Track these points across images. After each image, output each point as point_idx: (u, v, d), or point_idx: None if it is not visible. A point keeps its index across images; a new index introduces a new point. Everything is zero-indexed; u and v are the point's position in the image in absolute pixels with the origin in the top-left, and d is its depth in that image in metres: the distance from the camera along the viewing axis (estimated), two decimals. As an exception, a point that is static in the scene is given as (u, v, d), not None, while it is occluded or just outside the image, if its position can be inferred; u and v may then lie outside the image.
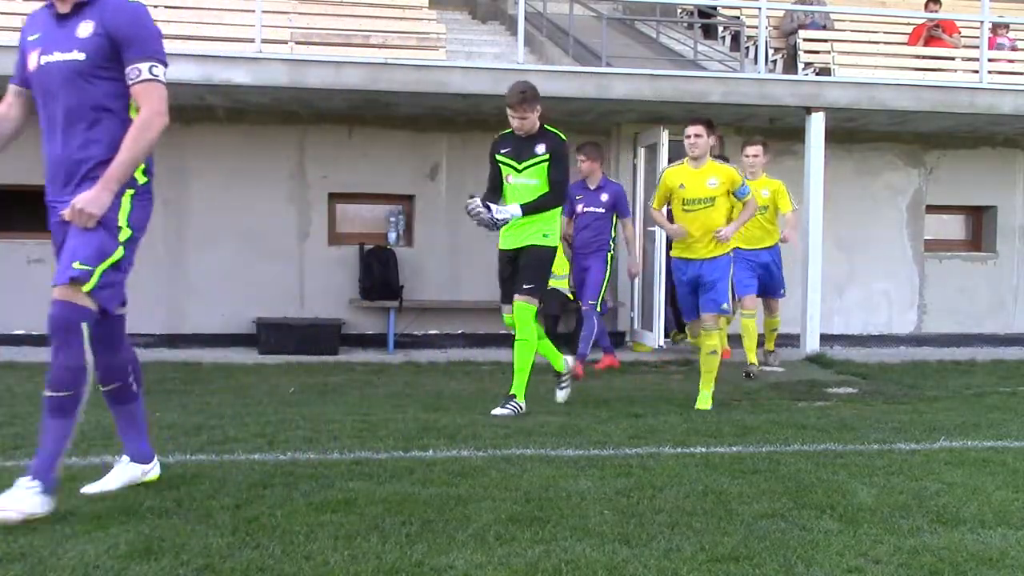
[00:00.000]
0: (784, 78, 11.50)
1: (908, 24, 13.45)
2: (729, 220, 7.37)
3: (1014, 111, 10.90)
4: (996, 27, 12.97)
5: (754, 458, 5.30)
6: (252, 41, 9.95)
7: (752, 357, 9.14)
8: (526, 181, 6.70)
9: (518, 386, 6.75)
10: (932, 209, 12.61)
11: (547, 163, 6.65)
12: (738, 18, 13.49)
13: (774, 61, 13.06)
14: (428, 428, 6.01)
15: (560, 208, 6.91)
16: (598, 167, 9.12)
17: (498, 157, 6.83)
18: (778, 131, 11.79)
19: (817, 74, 12.18)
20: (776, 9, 12.92)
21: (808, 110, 10.58)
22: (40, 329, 11.43)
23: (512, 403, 6.69)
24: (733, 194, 7.22)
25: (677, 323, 10.47)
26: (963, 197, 12.72)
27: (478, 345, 10.99)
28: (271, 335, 10.36)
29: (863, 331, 12.33)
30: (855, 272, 12.29)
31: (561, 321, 10.96)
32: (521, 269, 6.72)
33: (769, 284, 9.53)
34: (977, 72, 11.39)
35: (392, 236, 11.34)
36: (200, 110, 10.80)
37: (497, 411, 6.61)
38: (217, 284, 10.88)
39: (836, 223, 11.61)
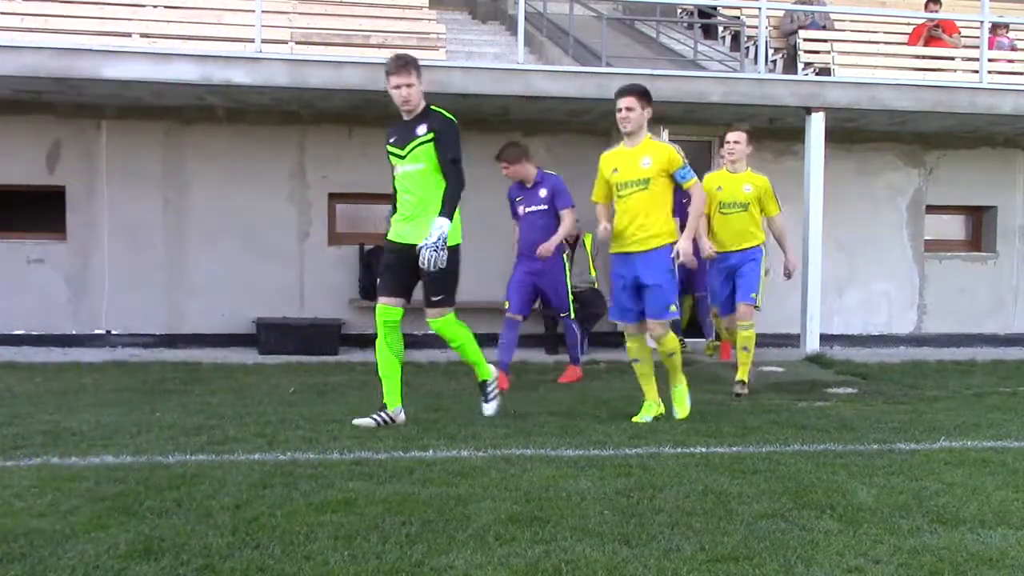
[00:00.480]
0: (784, 78, 11.51)
1: (908, 24, 13.45)
2: (683, 212, 6.74)
3: (1014, 111, 10.91)
4: (996, 27, 12.96)
5: (754, 458, 5.29)
6: (252, 41, 9.95)
7: (743, 372, 7.95)
8: (412, 167, 6.12)
9: (481, 372, 6.57)
10: (932, 209, 12.62)
11: (432, 144, 6.05)
12: (738, 18, 13.49)
13: (774, 61, 13.06)
14: (428, 428, 6.01)
15: (458, 199, 6.16)
16: (524, 166, 8.34)
17: (387, 147, 6.30)
18: (778, 131, 11.78)
19: (817, 74, 12.18)
20: (776, 9, 12.91)
21: (808, 110, 10.58)
22: (40, 329, 11.46)
23: (488, 390, 6.55)
24: (672, 177, 6.32)
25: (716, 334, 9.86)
26: (963, 197, 12.73)
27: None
28: (271, 335, 10.36)
29: (863, 331, 12.34)
30: (855, 272, 12.29)
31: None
32: (426, 281, 6.17)
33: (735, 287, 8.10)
34: (977, 72, 11.40)
35: (392, 236, 11.33)
36: (200, 110, 10.80)
37: (486, 409, 6.50)
38: (217, 284, 10.88)
39: (836, 223, 11.61)
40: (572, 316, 8.59)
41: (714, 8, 14.00)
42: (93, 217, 10.72)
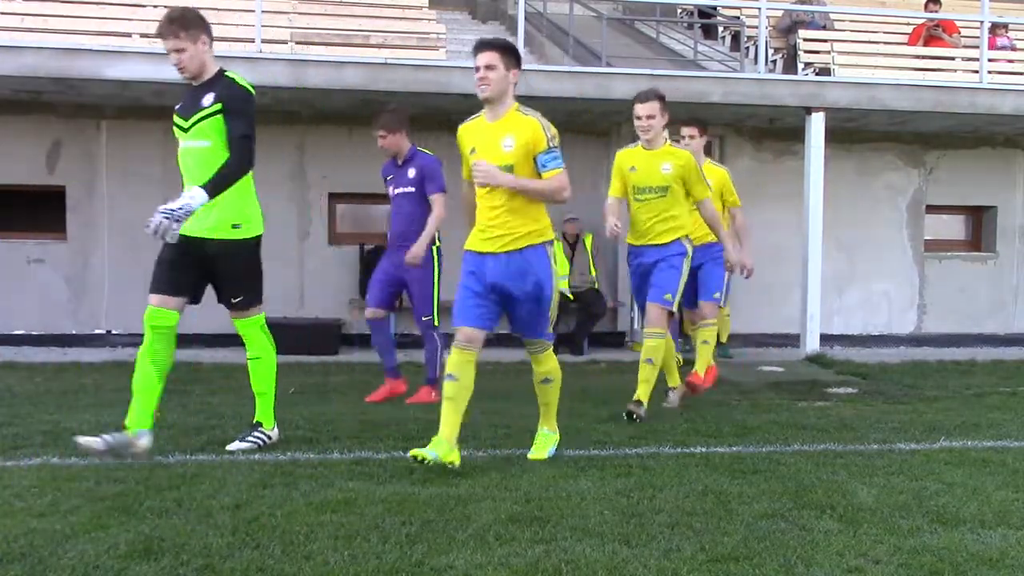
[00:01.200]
0: (784, 78, 11.51)
1: (908, 24, 13.45)
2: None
3: (1014, 111, 10.91)
4: (996, 27, 12.96)
5: (754, 458, 5.30)
6: (252, 41, 9.95)
7: (643, 392, 6.52)
8: (195, 143, 5.19)
9: (264, 411, 5.51)
10: (932, 209, 12.63)
11: (220, 117, 5.10)
12: (738, 18, 13.50)
13: (774, 61, 13.06)
14: (428, 428, 5.99)
15: (249, 183, 5.26)
16: (402, 138, 7.21)
17: (173, 116, 5.34)
18: (778, 131, 11.79)
19: (817, 74, 12.18)
20: (776, 9, 12.91)
21: (808, 110, 10.58)
22: (40, 329, 11.45)
23: (257, 433, 5.44)
24: (535, 160, 5.03)
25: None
26: (963, 197, 12.74)
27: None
28: (271, 335, 10.33)
29: (863, 331, 12.34)
30: (855, 272, 12.30)
31: (561, 321, 11.00)
32: (223, 279, 5.31)
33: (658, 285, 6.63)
34: (977, 72, 11.40)
35: (392, 236, 11.32)
36: (200, 110, 10.79)
37: (235, 445, 5.36)
38: (217, 284, 10.88)
39: (836, 223, 11.61)
40: (436, 324, 7.22)
41: (714, 8, 14.00)
42: (93, 217, 10.72)
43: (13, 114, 10.53)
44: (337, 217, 11.48)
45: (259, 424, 5.47)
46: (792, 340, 10.95)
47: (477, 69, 5.01)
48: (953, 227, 13.12)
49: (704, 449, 5.55)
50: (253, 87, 5.22)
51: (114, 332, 10.70)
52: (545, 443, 5.40)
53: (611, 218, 6.55)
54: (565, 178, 5.08)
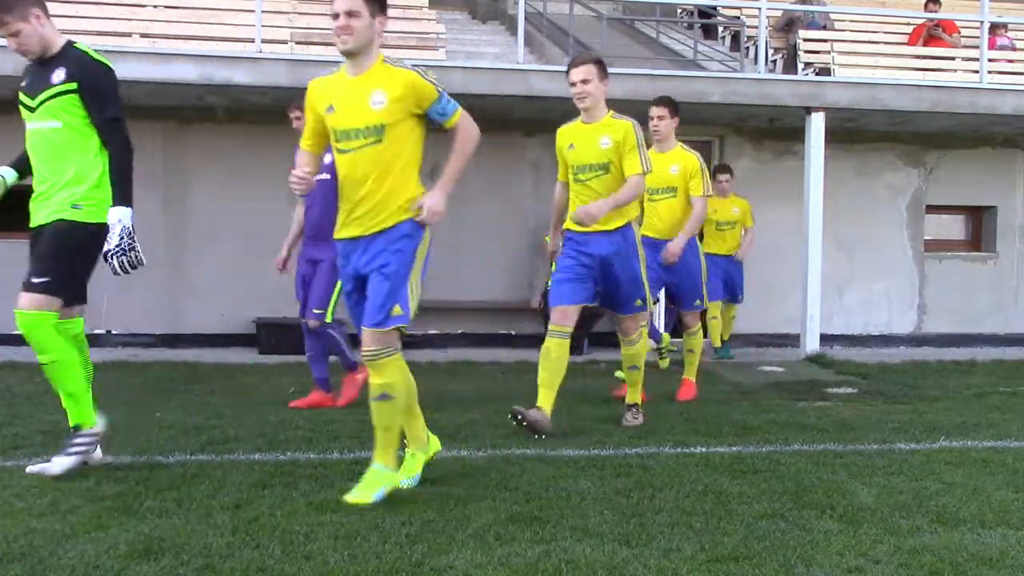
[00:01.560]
0: (784, 78, 11.50)
1: (908, 24, 13.45)
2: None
3: (1014, 111, 10.91)
4: (995, 27, 12.96)
5: (754, 458, 5.30)
6: (252, 41, 9.95)
7: (635, 395, 6.34)
8: (44, 124, 4.73)
9: (76, 414, 4.71)
10: (932, 209, 12.63)
11: (74, 96, 4.63)
12: (738, 18, 13.49)
13: (774, 61, 13.05)
14: (429, 427, 5.99)
15: (104, 165, 4.71)
16: None
17: (19, 95, 4.82)
18: (778, 131, 11.79)
19: (817, 74, 12.18)
20: (776, 9, 12.91)
21: (808, 110, 10.58)
22: (40, 329, 11.17)
23: (75, 440, 4.66)
24: (428, 115, 4.37)
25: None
26: (963, 197, 12.74)
27: (478, 345, 10.99)
28: (271, 335, 10.36)
29: (863, 331, 12.34)
30: (855, 272, 12.30)
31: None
32: (37, 251, 4.80)
33: (614, 293, 6.06)
34: (977, 72, 11.40)
35: (392, 236, 11.30)
36: (200, 110, 10.80)
37: (53, 465, 4.60)
38: (217, 284, 10.88)
39: (836, 223, 11.61)
40: (329, 319, 6.87)
41: (714, 8, 14.00)
42: (93, 217, 10.71)
43: (13, 114, 10.51)
44: (337, 217, 11.47)
45: (78, 426, 4.71)
46: (792, 340, 10.95)
47: (336, 16, 4.32)
48: (953, 227, 13.11)
49: (704, 449, 5.55)
50: (106, 58, 4.75)
51: (114, 332, 10.70)
52: (374, 481, 4.23)
53: (555, 237, 6.17)
54: (467, 115, 4.47)
